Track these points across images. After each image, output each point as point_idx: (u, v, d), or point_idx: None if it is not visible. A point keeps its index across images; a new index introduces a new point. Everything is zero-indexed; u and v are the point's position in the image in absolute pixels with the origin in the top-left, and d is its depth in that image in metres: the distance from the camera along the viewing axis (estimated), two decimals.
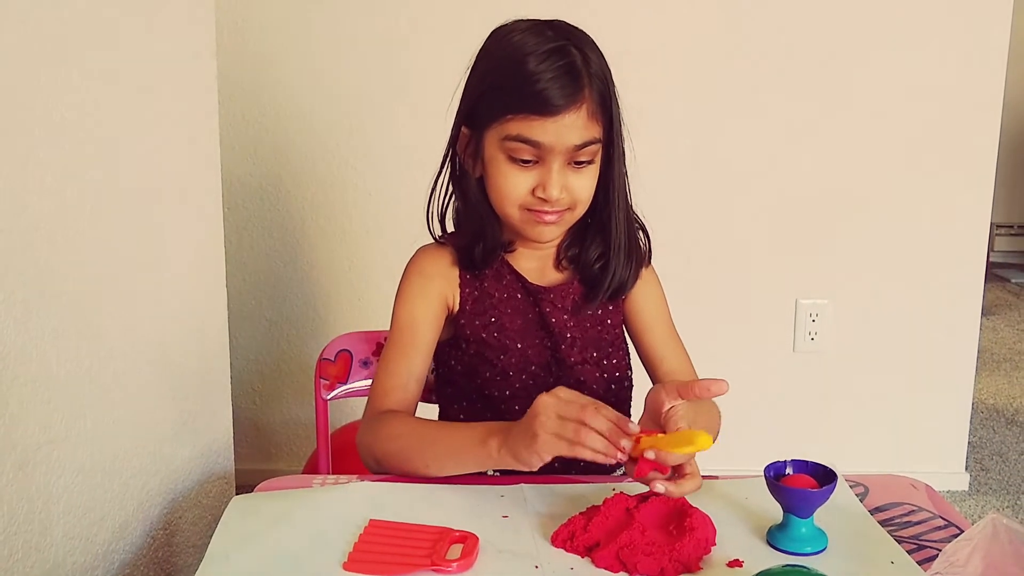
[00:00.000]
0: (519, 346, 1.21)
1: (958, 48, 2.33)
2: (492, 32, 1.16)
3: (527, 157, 1.11)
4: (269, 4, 2.30)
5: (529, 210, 1.14)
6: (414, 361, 1.18)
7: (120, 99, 1.27)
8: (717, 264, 2.43)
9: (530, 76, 1.08)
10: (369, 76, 2.33)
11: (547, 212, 1.13)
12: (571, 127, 1.09)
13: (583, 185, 1.14)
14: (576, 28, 1.14)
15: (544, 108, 1.08)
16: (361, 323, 2.34)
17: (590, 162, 1.14)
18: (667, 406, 0.98)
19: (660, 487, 0.94)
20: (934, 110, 2.36)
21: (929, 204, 2.40)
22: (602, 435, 0.93)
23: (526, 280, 1.22)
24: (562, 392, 0.97)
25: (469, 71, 1.18)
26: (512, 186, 1.13)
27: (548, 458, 0.95)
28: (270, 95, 2.34)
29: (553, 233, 1.18)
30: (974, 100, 2.35)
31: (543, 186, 1.11)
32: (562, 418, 0.94)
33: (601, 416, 0.94)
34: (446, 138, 1.22)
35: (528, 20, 1.15)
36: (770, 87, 2.34)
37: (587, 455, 0.93)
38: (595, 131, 1.12)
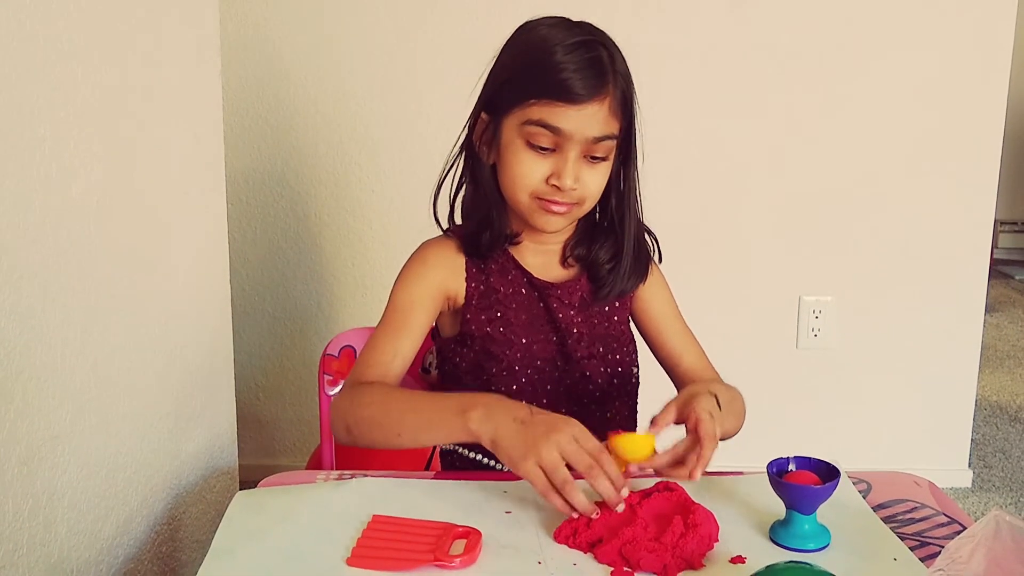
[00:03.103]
0: (524, 341, 1.21)
1: (962, 45, 2.32)
2: (519, 26, 1.18)
3: (545, 144, 1.12)
4: None
5: (539, 199, 1.14)
6: (403, 342, 1.18)
7: (124, 95, 1.27)
8: (720, 261, 2.43)
9: (557, 65, 1.10)
10: (374, 72, 2.33)
11: (557, 202, 1.14)
12: (592, 118, 1.11)
13: (595, 181, 1.15)
14: (602, 30, 1.16)
15: (569, 96, 1.09)
16: (365, 319, 2.35)
17: (604, 159, 1.15)
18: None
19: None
20: (938, 107, 2.35)
21: (933, 201, 2.40)
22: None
23: (532, 275, 1.23)
24: (573, 430, 0.96)
25: (494, 61, 1.19)
26: (527, 172, 1.13)
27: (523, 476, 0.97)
28: (274, 91, 2.34)
29: (559, 224, 1.18)
30: (978, 97, 2.34)
31: (558, 174, 1.12)
32: (563, 460, 0.94)
33: (605, 479, 0.95)
34: (455, 133, 1.22)
35: (556, 17, 1.16)
36: (774, 84, 2.34)
37: (557, 504, 0.94)
38: (614, 127, 1.14)
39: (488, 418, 1.00)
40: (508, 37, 1.18)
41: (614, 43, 1.15)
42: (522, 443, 0.96)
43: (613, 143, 1.15)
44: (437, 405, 1.07)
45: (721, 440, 1.02)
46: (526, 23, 1.17)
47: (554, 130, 1.10)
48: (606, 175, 1.17)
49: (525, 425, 0.97)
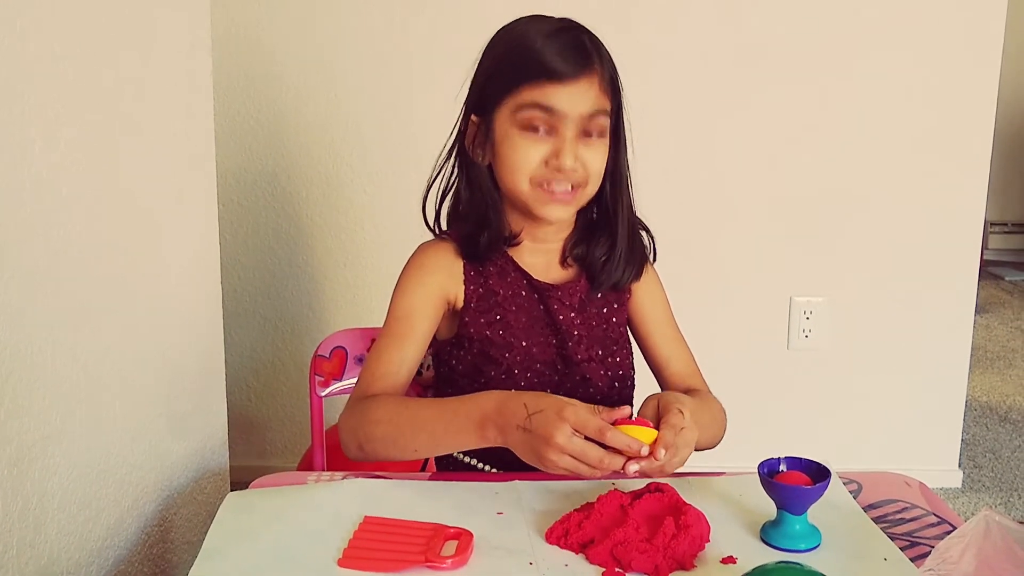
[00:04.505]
0: (524, 343, 1.20)
1: (953, 46, 2.33)
2: (497, 31, 1.19)
3: (540, 125, 1.12)
4: None
5: (541, 186, 1.14)
6: (407, 351, 1.18)
7: (115, 95, 1.26)
8: (712, 261, 2.43)
9: (540, 50, 1.11)
10: (366, 72, 2.33)
11: (559, 189, 1.14)
12: (584, 94, 1.11)
13: (595, 159, 1.15)
14: (582, 24, 1.17)
15: (557, 74, 1.10)
16: (356, 320, 2.35)
17: (601, 136, 1.15)
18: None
19: (633, 467, 0.95)
20: (929, 108, 2.36)
21: (923, 202, 2.41)
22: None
23: (531, 277, 1.22)
24: (568, 427, 0.96)
25: (475, 65, 1.19)
26: (525, 157, 1.13)
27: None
28: (266, 91, 2.34)
29: (563, 212, 1.17)
30: (968, 98, 2.35)
31: (557, 154, 1.12)
32: (576, 460, 0.95)
33: (617, 459, 0.95)
34: (447, 134, 1.22)
35: (533, 14, 1.18)
36: (764, 85, 2.34)
37: (598, 475, 0.97)
38: (606, 103, 1.14)
39: (500, 431, 1.01)
40: (487, 42, 1.19)
41: (596, 36, 1.16)
42: (531, 453, 0.98)
43: (607, 120, 1.15)
44: (450, 419, 1.07)
45: (697, 450, 1.03)
46: (503, 26, 1.19)
47: (547, 109, 1.11)
48: (604, 153, 1.17)
49: (527, 433, 0.98)
